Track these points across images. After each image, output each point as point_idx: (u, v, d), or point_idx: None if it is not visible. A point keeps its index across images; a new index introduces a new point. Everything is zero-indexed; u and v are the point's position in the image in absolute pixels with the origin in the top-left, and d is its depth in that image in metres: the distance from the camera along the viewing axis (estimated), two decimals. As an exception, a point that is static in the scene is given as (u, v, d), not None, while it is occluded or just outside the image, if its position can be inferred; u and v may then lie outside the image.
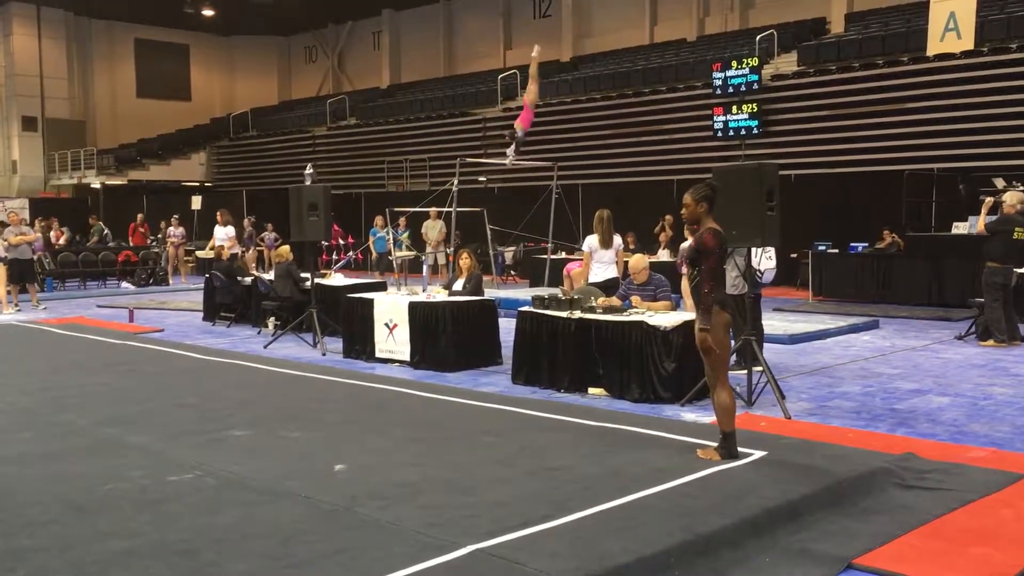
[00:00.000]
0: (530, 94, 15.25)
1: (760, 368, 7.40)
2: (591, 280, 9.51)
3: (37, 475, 5.38)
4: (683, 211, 5.67)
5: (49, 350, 10.96)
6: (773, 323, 11.57)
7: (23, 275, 15.95)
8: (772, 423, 6.74)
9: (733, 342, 8.34)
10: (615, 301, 8.32)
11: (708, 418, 6.96)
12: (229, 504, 4.76)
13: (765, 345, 9.23)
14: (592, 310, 8.09)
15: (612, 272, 9.57)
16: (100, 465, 5.56)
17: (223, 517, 4.55)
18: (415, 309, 9.56)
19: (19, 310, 15.59)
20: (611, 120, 22.64)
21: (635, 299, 8.33)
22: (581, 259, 11.05)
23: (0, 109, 32.39)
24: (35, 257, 17.13)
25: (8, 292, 15.64)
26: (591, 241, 9.65)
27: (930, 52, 17.95)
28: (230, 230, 17.54)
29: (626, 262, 9.14)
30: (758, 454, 5.59)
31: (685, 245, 11.70)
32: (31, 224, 20.52)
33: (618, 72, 24.06)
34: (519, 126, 14.88)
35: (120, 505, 4.77)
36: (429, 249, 19.82)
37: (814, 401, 7.64)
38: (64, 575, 3.86)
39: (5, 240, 15.43)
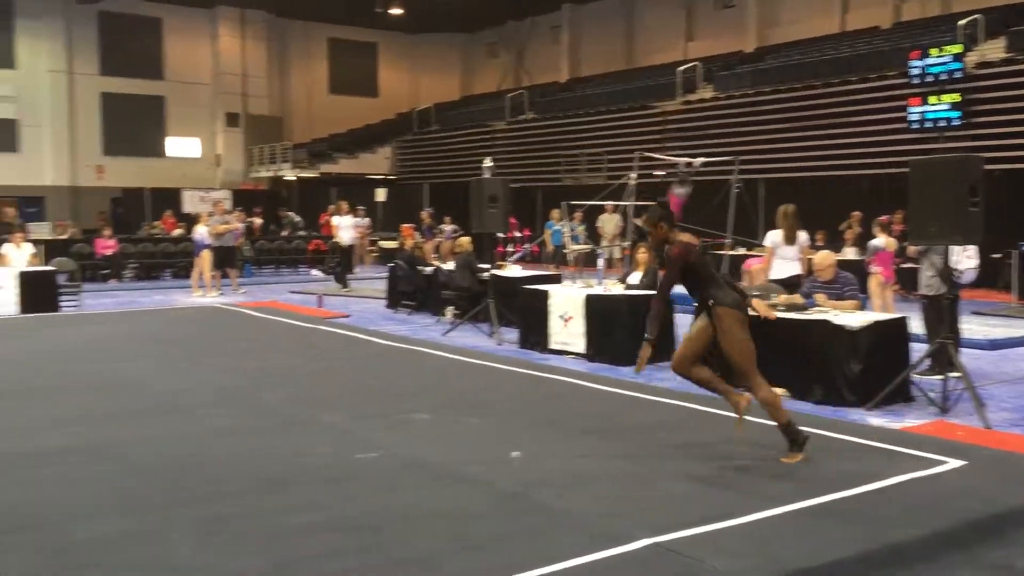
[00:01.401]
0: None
1: (957, 374, 6.95)
2: (772, 276, 9.21)
3: (235, 449, 5.76)
4: (649, 239, 5.99)
5: (247, 332, 11.70)
6: (971, 327, 10.83)
7: (224, 261, 17.09)
8: (970, 432, 6.32)
9: (928, 345, 7.93)
10: (797, 299, 8.03)
11: (897, 423, 6.63)
12: (410, 484, 4.93)
13: (962, 350, 8.68)
14: (773, 307, 7.83)
15: (795, 269, 9.24)
16: (291, 441, 5.89)
17: (405, 496, 4.72)
18: (592, 302, 9.56)
19: (221, 294, 16.73)
20: (796, 112, 21.81)
21: (819, 297, 8.01)
22: (761, 255, 10.74)
23: (207, 106, 34.75)
24: (237, 244, 18.29)
25: (212, 277, 16.81)
26: (774, 236, 9.35)
27: None
28: (349, 219, 17.75)
29: (810, 259, 8.82)
30: (955, 463, 5.26)
31: (874, 242, 11.24)
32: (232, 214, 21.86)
33: (804, 62, 23.16)
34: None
35: (309, 480, 5.03)
36: (605, 243, 19.80)
37: (1018, 411, 7.10)
38: (259, 542, 4.11)
39: (211, 228, 16.57)
